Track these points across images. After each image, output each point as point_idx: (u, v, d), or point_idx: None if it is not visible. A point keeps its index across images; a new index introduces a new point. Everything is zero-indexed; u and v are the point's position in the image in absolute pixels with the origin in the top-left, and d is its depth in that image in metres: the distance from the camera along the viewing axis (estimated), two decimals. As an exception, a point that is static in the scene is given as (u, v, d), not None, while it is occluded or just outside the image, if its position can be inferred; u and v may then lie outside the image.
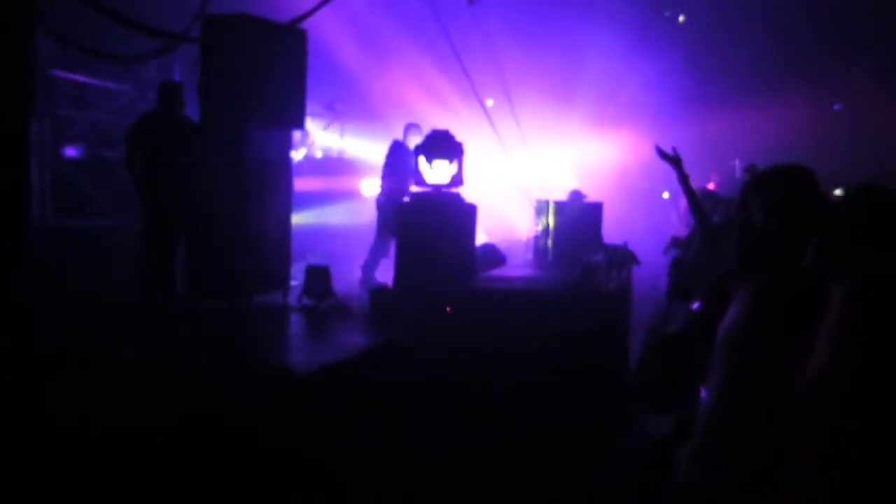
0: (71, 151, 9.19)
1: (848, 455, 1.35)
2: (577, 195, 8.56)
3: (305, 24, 6.94)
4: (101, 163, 9.34)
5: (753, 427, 1.71)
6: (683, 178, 3.95)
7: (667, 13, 14.39)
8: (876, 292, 1.52)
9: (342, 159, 13.09)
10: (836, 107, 13.92)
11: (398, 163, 7.96)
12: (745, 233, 2.82)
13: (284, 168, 6.92)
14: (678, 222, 10.13)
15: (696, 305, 3.64)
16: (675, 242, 7.12)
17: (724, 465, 1.75)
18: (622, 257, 6.85)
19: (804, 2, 13.15)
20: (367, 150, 12.33)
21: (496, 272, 6.73)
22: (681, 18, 14.55)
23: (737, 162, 10.67)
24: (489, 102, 10.72)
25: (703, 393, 2.34)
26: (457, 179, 6.91)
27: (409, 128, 8.23)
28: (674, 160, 3.96)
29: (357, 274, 8.04)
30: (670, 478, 2.08)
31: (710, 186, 11.38)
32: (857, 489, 1.31)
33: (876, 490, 1.32)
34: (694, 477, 1.81)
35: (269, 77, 6.48)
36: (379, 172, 8.36)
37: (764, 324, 1.76)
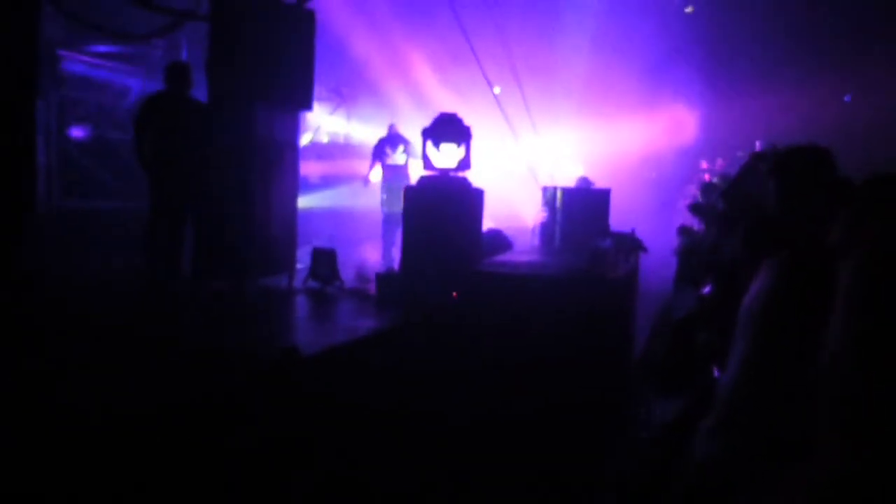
0: (77, 132, 9.16)
1: (867, 433, 1.31)
2: (584, 182, 8.52)
3: (313, 6, 6.90)
4: (107, 144, 9.32)
5: (778, 400, 1.66)
6: None
7: (676, 0, 14.28)
8: (883, 264, 1.48)
9: (349, 144, 13.06)
10: (846, 98, 13.82)
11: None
12: (754, 217, 2.77)
13: (291, 150, 6.89)
14: (685, 211, 10.08)
15: (706, 290, 3.62)
16: (683, 230, 7.08)
17: (746, 440, 1.70)
18: (630, 244, 6.81)
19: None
20: (373, 135, 12.31)
21: (502, 257, 6.69)
22: (688, 9, 14.43)
23: (757, 144, 10.50)
24: (496, 90, 10.66)
25: (716, 372, 2.31)
26: (464, 163, 6.86)
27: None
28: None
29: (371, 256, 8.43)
30: (680, 458, 2.04)
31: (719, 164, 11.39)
32: (882, 467, 1.27)
33: None
34: (714, 454, 1.76)
35: (278, 57, 6.45)
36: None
37: (792, 295, 1.71)
